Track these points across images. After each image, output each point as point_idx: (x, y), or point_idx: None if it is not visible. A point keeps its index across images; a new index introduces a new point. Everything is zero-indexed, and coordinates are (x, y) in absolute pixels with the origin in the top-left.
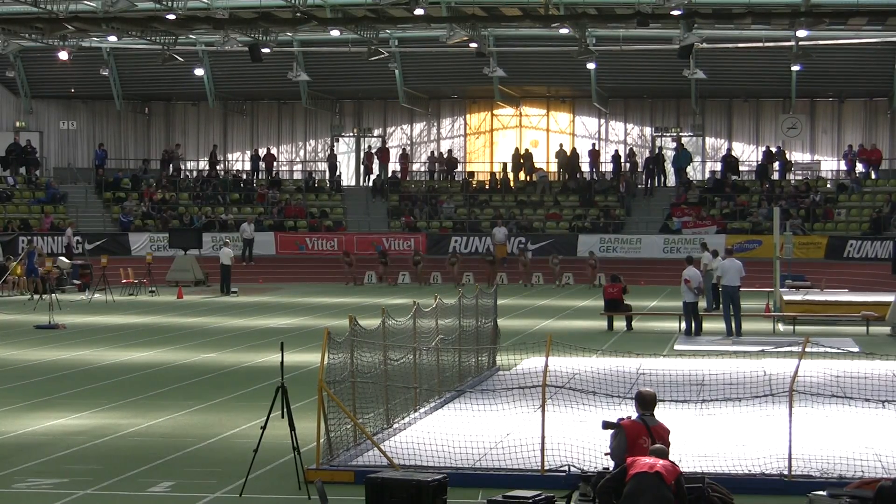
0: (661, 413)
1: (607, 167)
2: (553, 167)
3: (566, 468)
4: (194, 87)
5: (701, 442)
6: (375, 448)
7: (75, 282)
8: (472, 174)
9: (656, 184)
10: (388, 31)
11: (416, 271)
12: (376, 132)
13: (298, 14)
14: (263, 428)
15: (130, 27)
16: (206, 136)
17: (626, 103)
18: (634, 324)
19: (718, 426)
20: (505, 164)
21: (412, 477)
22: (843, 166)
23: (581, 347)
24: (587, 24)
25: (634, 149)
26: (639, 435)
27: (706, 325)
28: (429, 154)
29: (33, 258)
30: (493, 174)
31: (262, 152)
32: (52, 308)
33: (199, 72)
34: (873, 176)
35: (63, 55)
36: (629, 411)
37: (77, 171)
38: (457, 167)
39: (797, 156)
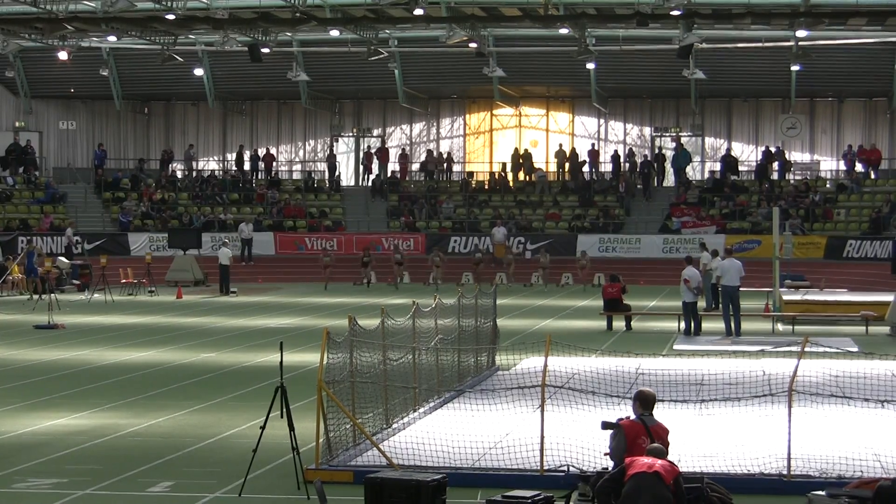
0: (661, 413)
1: (607, 167)
2: (553, 167)
3: (565, 468)
4: (194, 87)
5: (700, 442)
6: (375, 448)
7: (74, 282)
8: (471, 174)
9: (655, 184)
10: (387, 31)
11: (398, 271)
12: (376, 132)
13: (298, 14)
14: (263, 428)
15: (130, 27)
16: (205, 136)
17: (626, 103)
18: (634, 324)
19: (718, 426)
20: (504, 164)
21: (411, 477)
22: (842, 166)
23: (580, 347)
24: (587, 24)
25: (634, 149)
26: (638, 435)
27: (705, 325)
28: (427, 154)
29: (33, 258)
30: (492, 174)
31: (261, 152)
32: (51, 308)
33: (198, 72)
34: (873, 176)
35: (63, 55)
36: (628, 411)
37: (76, 171)
38: (443, 165)
39: (797, 156)
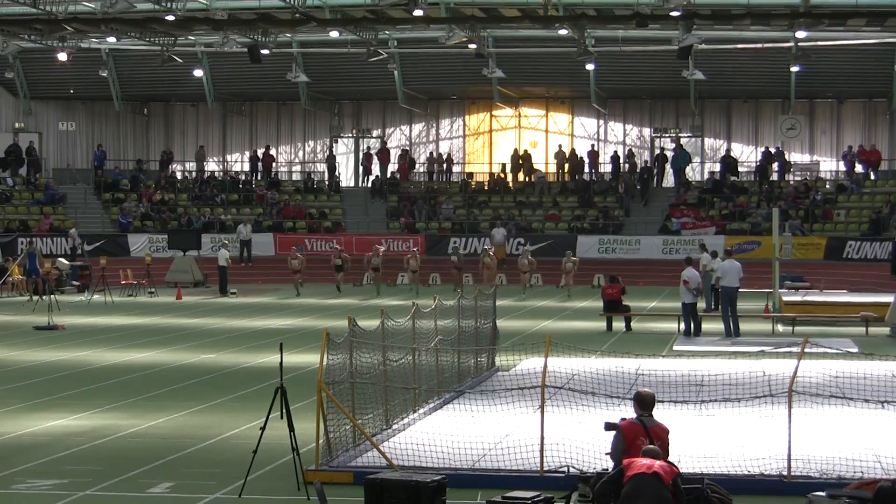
0: (660, 414)
1: (606, 168)
2: (552, 168)
3: (565, 469)
4: (193, 88)
5: (700, 442)
6: (375, 449)
7: (74, 283)
8: (471, 175)
9: (655, 184)
10: (387, 31)
11: (377, 276)
12: (375, 133)
13: (297, 15)
14: (263, 429)
15: (129, 28)
16: (204, 137)
17: (626, 104)
18: (633, 324)
19: (718, 427)
20: (504, 165)
21: (411, 478)
22: (842, 167)
23: (580, 348)
24: (586, 25)
25: (633, 150)
26: (636, 436)
27: (705, 326)
28: (427, 155)
29: (35, 259)
30: (492, 175)
31: (260, 153)
32: (51, 309)
33: (198, 73)
34: (872, 177)
35: (62, 56)
36: (629, 412)
37: (76, 172)
38: (443, 166)
39: (796, 157)
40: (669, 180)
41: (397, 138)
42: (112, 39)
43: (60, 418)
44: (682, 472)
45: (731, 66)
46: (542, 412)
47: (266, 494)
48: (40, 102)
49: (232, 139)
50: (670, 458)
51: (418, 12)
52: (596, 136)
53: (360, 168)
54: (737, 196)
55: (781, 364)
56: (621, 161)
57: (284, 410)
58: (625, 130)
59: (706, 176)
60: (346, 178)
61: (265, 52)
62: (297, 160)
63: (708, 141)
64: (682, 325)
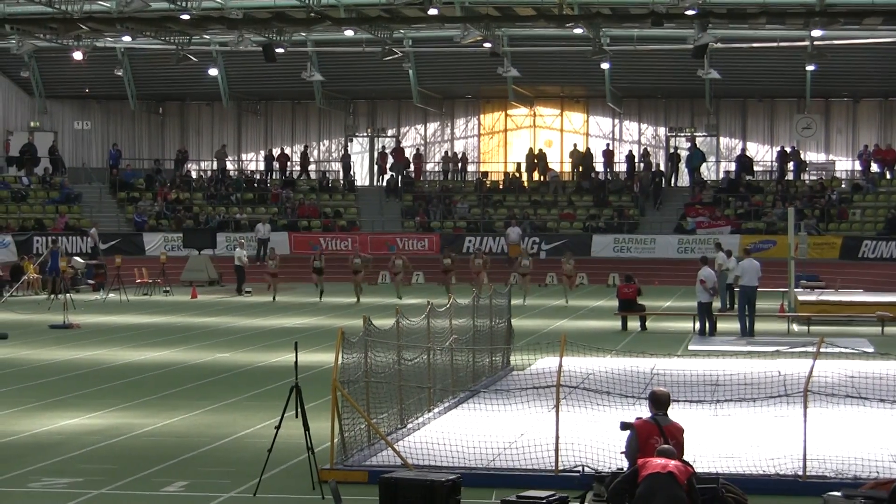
0: (676, 413)
1: (621, 167)
2: (567, 167)
3: (580, 468)
4: (208, 87)
5: (715, 442)
6: (389, 448)
7: (90, 281)
8: (485, 174)
9: (671, 184)
10: (402, 30)
11: (356, 279)
12: (390, 132)
13: (312, 14)
14: (277, 428)
15: (145, 27)
16: (219, 137)
17: (641, 103)
18: (648, 324)
19: (733, 426)
20: (519, 164)
21: (426, 477)
22: (857, 166)
23: (595, 347)
24: (601, 24)
25: (649, 149)
26: (650, 435)
27: (720, 326)
28: (442, 154)
29: (57, 258)
30: (507, 174)
31: (275, 152)
32: (66, 308)
33: (213, 72)
34: (888, 176)
35: (77, 55)
36: (644, 411)
37: (91, 170)
38: (457, 166)
39: (812, 156)
40: (684, 179)
41: (412, 137)
42: (127, 38)
43: (75, 417)
44: (697, 471)
45: (746, 66)
46: (557, 411)
47: (281, 493)
48: (56, 101)
49: (247, 138)
50: (685, 458)
51: (433, 11)
52: (611, 136)
53: (375, 167)
54: (752, 195)
55: (797, 364)
56: (636, 160)
57: (299, 409)
58: (640, 129)
59: (721, 175)
60: (361, 177)
61: (280, 51)
62: (311, 159)
63: (723, 140)
64: (698, 325)
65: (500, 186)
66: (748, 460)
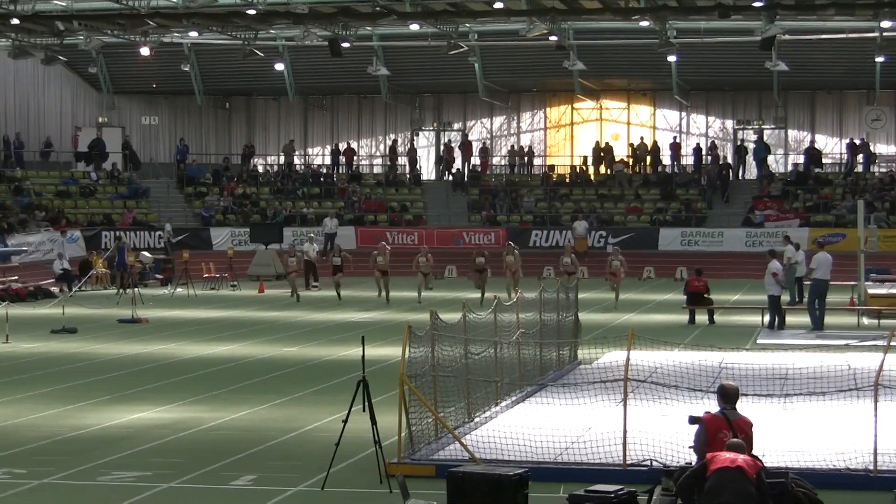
0: (744, 407)
1: (688, 160)
2: (634, 160)
3: (648, 462)
4: (274, 82)
5: (785, 436)
6: (457, 442)
7: (157, 276)
8: (552, 168)
9: (740, 177)
10: (467, 24)
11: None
12: (456, 126)
13: (378, 8)
14: (345, 422)
15: (211, 22)
16: (286, 131)
17: (708, 96)
18: (717, 318)
19: (802, 421)
20: (585, 158)
21: (493, 471)
22: None
23: (663, 341)
24: (668, 17)
25: (716, 142)
26: (719, 429)
27: (788, 320)
28: (508, 148)
29: (124, 253)
30: (573, 168)
31: (342, 147)
32: (134, 302)
33: (279, 67)
34: None
35: (145, 51)
36: (712, 405)
37: (159, 165)
38: (524, 159)
39: (881, 148)
40: (752, 172)
41: (478, 131)
42: (194, 34)
43: (144, 411)
44: (767, 466)
45: (814, 57)
46: (625, 405)
47: (348, 487)
48: (123, 97)
49: (313, 133)
50: (754, 452)
51: (499, 5)
52: (678, 129)
53: (442, 161)
54: (821, 188)
55: (867, 357)
56: (704, 153)
57: (367, 403)
58: (707, 122)
59: (790, 168)
60: (427, 171)
61: (346, 45)
62: (378, 153)
63: (791, 133)
64: (767, 318)
65: (567, 180)
66: (818, 455)
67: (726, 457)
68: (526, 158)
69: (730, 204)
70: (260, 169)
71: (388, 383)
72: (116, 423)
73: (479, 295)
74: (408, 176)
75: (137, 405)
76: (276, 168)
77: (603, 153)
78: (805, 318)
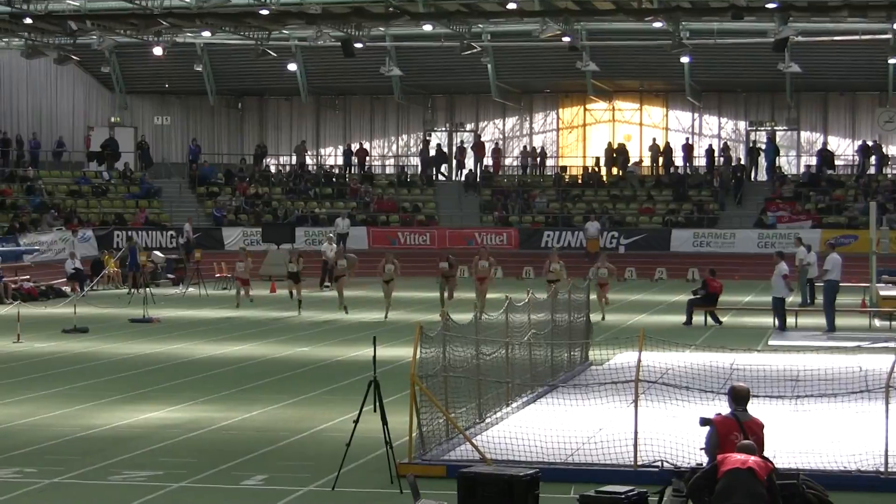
0: (755, 409)
1: (701, 161)
2: (646, 161)
3: (659, 464)
4: (287, 82)
5: (795, 438)
6: (468, 442)
7: (170, 276)
8: (564, 168)
9: (751, 178)
10: (480, 25)
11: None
12: (468, 127)
13: (391, 9)
14: (356, 422)
15: (224, 23)
16: (298, 131)
17: (721, 97)
18: (729, 319)
19: (813, 422)
20: (598, 159)
21: (504, 472)
22: None
23: (674, 343)
24: (681, 18)
25: (728, 143)
26: (730, 431)
27: (800, 321)
28: (521, 149)
29: (135, 254)
30: (585, 168)
31: (354, 147)
32: (146, 302)
33: (291, 67)
34: None
35: (157, 51)
36: (723, 407)
37: (171, 165)
38: (536, 160)
39: (894, 150)
40: (765, 174)
41: (490, 132)
42: (207, 34)
43: (155, 410)
44: (778, 467)
45: (827, 59)
46: (636, 406)
47: (359, 487)
48: (136, 97)
49: (325, 133)
50: (765, 454)
51: (512, 5)
52: (690, 130)
53: (454, 162)
54: (833, 190)
55: (878, 359)
56: (716, 154)
57: (378, 404)
58: (720, 123)
59: (802, 170)
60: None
61: (358, 46)
62: (390, 154)
63: (804, 134)
64: (777, 320)
65: (579, 181)
66: (829, 456)
67: (737, 458)
68: (538, 159)
69: (742, 205)
70: (272, 169)
71: (400, 384)
72: (128, 422)
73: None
74: (420, 176)
75: (149, 405)
76: (288, 168)
77: (615, 154)
78: (815, 320)
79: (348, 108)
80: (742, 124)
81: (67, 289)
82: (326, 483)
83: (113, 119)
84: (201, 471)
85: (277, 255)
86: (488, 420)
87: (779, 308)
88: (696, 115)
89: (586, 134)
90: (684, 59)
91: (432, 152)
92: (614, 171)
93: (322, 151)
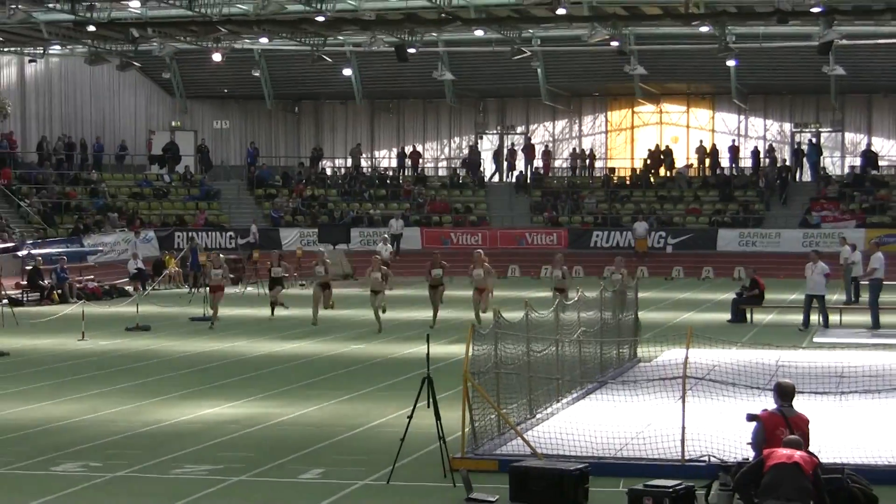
0: (801, 404)
1: (747, 163)
2: (693, 163)
3: (706, 458)
4: (342, 87)
5: (840, 433)
6: (519, 437)
7: (229, 276)
8: (612, 170)
9: (796, 178)
10: (530, 30)
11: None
12: (519, 129)
13: (443, 15)
14: (410, 417)
15: (281, 29)
16: (353, 135)
17: (766, 99)
18: (774, 317)
19: (858, 418)
20: (645, 160)
21: (555, 466)
22: None
23: (720, 340)
24: (727, 22)
25: (774, 144)
26: (776, 426)
27: (845, 319)
28: (570, 151)
29: (196, 254)
30: (633, 170)
31: (407, 149)
32: (206, 301)
33: (346, 72)
34: None
35: (216, 57)
36: (769, 403)
37: (230, 168)
38: (585, 162)
39: None
40: (809, 175)
41: (541, 134)
42: (264, 40)
43: (215, 406)
44: (823, 462)
45: (871, 62)
46: (684, 402)
47: (413, 481)
48: (195, 101)
49: (380, 136)
50: (811, 449)
51: (561, 11)
52: (736, 132)
53: (504, 164)
54: (878, 190)
55: None
56: (762, 156)
57: (431, 400)
58: (765, 125)
59: (846, 170)
60: (491, 173)
61: (412, 51)
62: (442, 156)
63: (848, 135)
64: (821, 318)
65: (627, 182)
66: (874, 451)
67: (783, 453)
68: (587, 161)
69: (787, 205)
70: (328, 171)
71: (452, 380)
72: (188, 418)
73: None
74: (471, 178)
75: (208, 401)
76: (343, 170)
77: (663, 156)
78: (860, 317)
79: (402, 112)
80: (787, 126)
81: (130, 288)
82: (381, 477)
83: (173, 123)
84: (259, 465)
85: (333, 254)
86: (539, 416)
87: (820, 305)
88: (742, 117)
89: (634, 136)
90: (730, 63)
91: (484, 154)
92: (662, 172)
93: (376, 154)
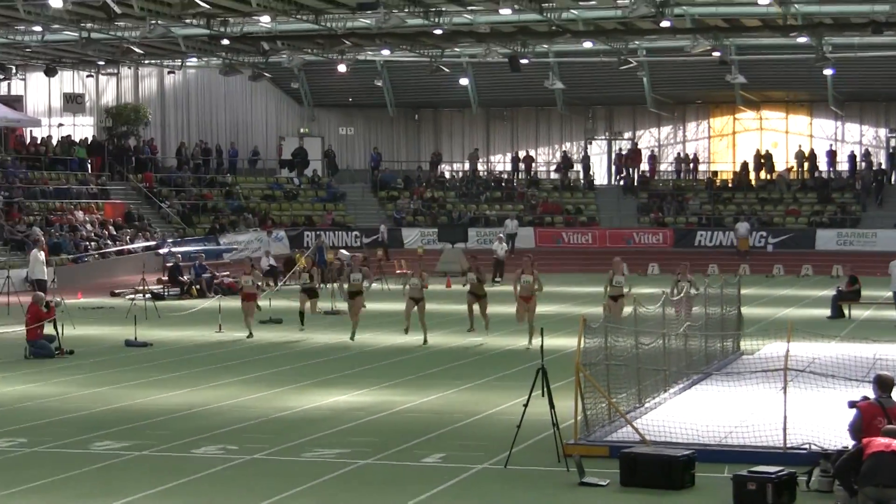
0: None
1: (843, 166)
2: (793, 166)
3: (807, 446)
4: (459, 96)
5: None
6: (628, 425)
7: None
8: (715, 173)
9: (892, 181)
10: (636, 42)
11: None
12: (626, 135)
13: (554, 28)
14: (525, 406)
15: (401, 42)
16: (469, 140)
17: (862, 106)
18: (872, 313)
19: None
20: (746, 164)
21: (663, 452)
22: None
23: (820, 334)
24: (824, 33)
25: (870, 149)
26: (875, 416)
27: None
28: (675, 155)
29: (322, 252)
30: (735, 173)
31: (521, 154)
32: (333, 296)
33: (463, 81)
34: None
35: (342, 68)
36: (867, 393)
37: (355, 172)
38: (689, 166)
39: None
40: None
41: (647, 140)
42: (386, 52)
43: (342, 394)
44: None
45: None
46: (785, 393)
47: (529, 465)
48: (322, 109)
49: (495, 141)
50: None
51: (665, 23)
52: (833, 137)
53: (613, 168)
54: None
55: None
56: (858, 160)
57: (545, 389)
58: (861, 131)
59: None
60: (600, 176)
61: (524, 61)
62: (554, 161)
63: None
64: None
65: (730, 184)
66: None
67: (882, 442)
68: (691, 164)
69: (883, 207)
70: (446, 175)
71: (565, 371)
72: (317, 405)
73: (481, 325)
74: (582, 181)
75: (336, 389)
76: (461, 174)
77: (763, 160)
78: None
79: (515, 119)
80: (882, 131)
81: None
82: (499, 461)
83: (302, 130)
84: (384, 449)
85: (452, 253)
86: (647, 405)
87: None
88: (839, 123)
89: (735, 141)
90: (827, 72)
91: (593, 158)
92: (762, 175)
93: (492, 158)
